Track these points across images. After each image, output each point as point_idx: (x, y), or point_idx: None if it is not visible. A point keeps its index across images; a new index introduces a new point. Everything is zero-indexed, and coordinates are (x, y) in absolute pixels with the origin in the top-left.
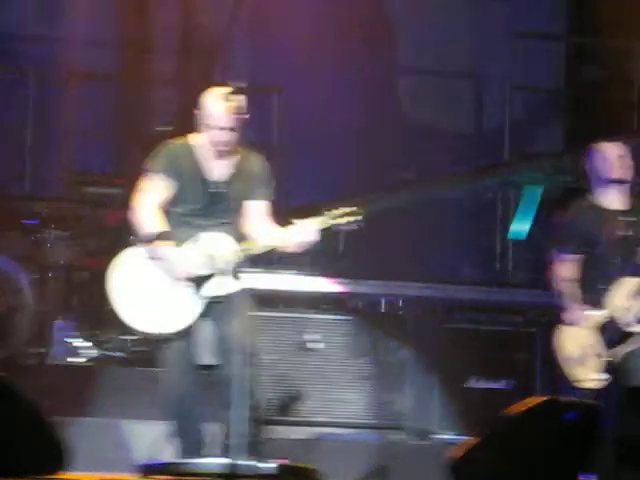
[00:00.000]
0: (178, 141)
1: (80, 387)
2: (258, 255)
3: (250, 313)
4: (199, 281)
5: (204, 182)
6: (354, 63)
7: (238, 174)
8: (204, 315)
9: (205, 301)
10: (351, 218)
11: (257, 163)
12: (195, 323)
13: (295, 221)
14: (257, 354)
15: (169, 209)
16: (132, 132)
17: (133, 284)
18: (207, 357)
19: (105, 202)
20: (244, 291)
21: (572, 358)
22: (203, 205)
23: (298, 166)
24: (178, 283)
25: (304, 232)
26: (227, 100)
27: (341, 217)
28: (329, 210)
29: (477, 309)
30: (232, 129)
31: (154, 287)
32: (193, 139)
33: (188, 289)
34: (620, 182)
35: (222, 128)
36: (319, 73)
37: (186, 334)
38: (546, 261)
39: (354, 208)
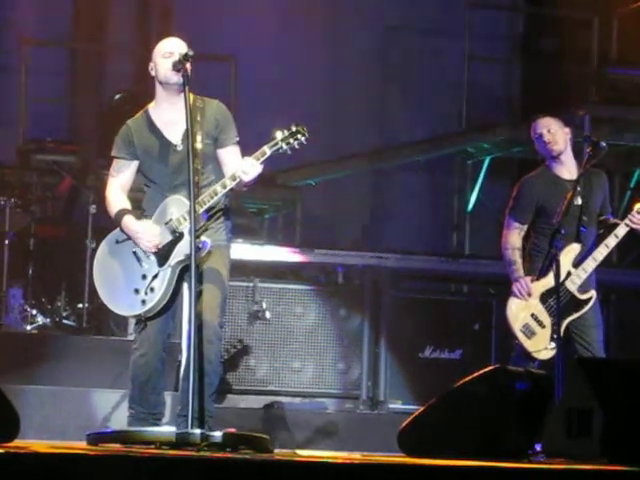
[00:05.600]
0: (134, 119)
1: (32, 355)
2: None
3: (223, 273)
4: (166, 250)
5: (169, 147)
6: (308, 27)
7: (199, 126)
8: (180, 282)
9: (177, 269)
10: (291, 139)
11: (215, 109)
12: (169, 294)
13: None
14: (222, 327)
15: (147, 188)
16: (87, 100)
17: (112, 273)
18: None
19: (57, 170)
20: (214, 250)
21: (524, 329)
22: (173, 170)
23: (253, 131)
24: (150, 258)
25: (248, 165)
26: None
27: (282, 141)
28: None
29: (434, 279)
30: (182, 63)
31: (131, 269)
32: (150, 105)
33: (160, 261)
34: (554, 157)
35: (169, 54)
36: (271, 39)
37: (164, 308)
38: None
39: (294, 128)
